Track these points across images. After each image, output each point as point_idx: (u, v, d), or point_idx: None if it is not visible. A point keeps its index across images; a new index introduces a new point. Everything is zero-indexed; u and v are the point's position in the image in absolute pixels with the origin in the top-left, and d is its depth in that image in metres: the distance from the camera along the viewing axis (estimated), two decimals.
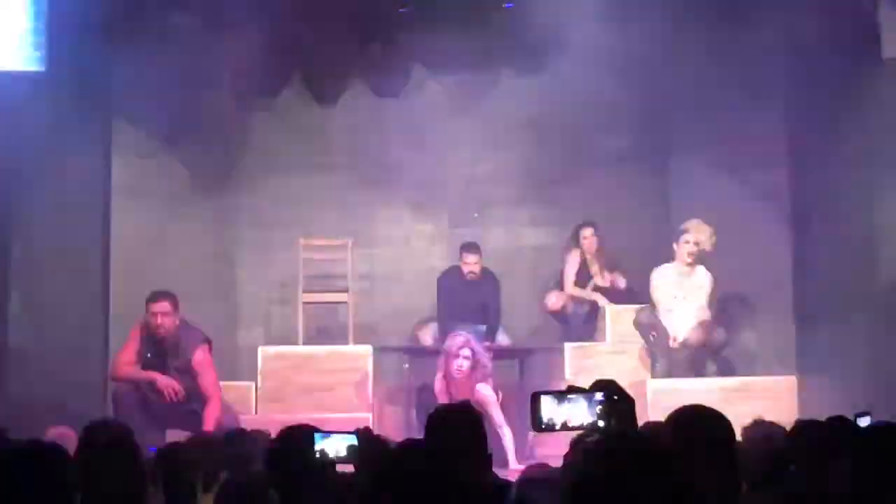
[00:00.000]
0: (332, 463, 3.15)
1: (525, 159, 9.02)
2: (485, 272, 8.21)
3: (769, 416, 4.40)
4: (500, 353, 8.02)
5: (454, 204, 9.19)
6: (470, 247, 8.18)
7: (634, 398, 2.52)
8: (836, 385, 7.15)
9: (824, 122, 7.98)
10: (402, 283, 9.00)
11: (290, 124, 9.04)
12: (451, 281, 8.18)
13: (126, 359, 6.84)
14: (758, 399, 7.22)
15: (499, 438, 6.84)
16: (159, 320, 6.77)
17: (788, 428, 4.13)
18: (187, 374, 6.79)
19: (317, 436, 3.16)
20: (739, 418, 3.73)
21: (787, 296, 8.41)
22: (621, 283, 8.43)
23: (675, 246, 7.90)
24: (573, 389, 2.47)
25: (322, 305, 8.67)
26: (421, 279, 8.84)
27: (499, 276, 8.80)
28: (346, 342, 8.25)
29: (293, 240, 8.59)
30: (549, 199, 9.04)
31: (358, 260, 8.71)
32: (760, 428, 4.32)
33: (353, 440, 3.09)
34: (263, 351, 7.99)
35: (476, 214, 9.19)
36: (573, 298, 8.39)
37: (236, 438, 4.41)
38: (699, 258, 7.84)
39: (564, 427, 2.40)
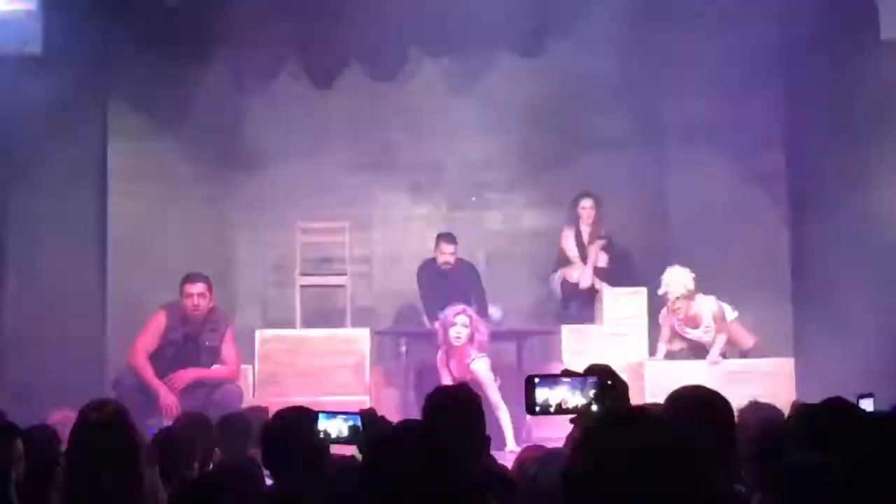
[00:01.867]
0: (330, 443, 3.14)
1: (523, 142, 8.98)
2: (460, 261, 8.20)
3: (767, 399, 4.38)
4: (497, 336, 8.00)
5: (452, 187, 9.16)
6: (447, 237, 8.16)
7: (632, 380, 2.53)
8: (834, 368, 7.15)
9: (822, 104, 7.94)
10: (399, 267, 8.96)
11: (287, 107, 9.00)
12: (429, 272, 8.16)
13: (147, 344, 6.78)
14: (756, 381, 7.21)
15: (496, 421, 6.83)
16: (196, 301, 6.76)
17: (786, 411, 4.13)
18: (214, 357, 6.83)
19: (321, 416, 3.15)
20: (737, 400, 3.72)
21: (785, 277, 8.40)
22: (602, 260, 8.38)
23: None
24: (567, 373, 2.48)
25: (320, 288, 8.64)
26: (419, 261, 8.81)
27: (497, 259, 8.81)
28: (343, 325, 8.24)
29: (291, 223, 8.57)
30: (547, 181, 9.01)
31: (355, 243, 8.69)
32: (757, 410, 4.31)
33: (357, 421, 3.08)
34: (261, 334, 7.97)
35: (474, 198, 9.17)
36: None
37: (233, 418, 4.40)
38: (686, 303, 7.61)
39: (559, 410, 2.41)
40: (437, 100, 9.08)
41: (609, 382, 2.44)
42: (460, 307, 7.24)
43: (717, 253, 8.08)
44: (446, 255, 8.12)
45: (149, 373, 6.67)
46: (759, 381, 7.23)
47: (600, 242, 8.35)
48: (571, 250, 8.37)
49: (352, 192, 9.06)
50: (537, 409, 2.41)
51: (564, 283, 8.36)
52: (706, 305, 7.64)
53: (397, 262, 9.03)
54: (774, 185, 8.51)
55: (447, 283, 8.06)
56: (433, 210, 9.15)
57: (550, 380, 2.44)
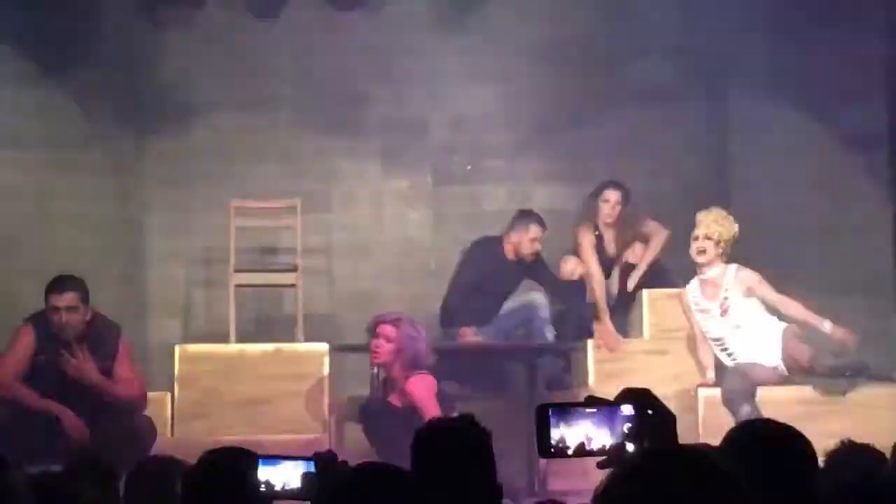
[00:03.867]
0: (276, 497, 3.15)
1: (533, 93, 9.00)
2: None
3: (864, 437, 4.41)
4: (498, 352, 8.02)
5: (439, 153, 9.17)
6: (537, 217, 8.24)
7: (680, 412, 2.53)
8: None
9: None
10: (368, 260, 8.98)
11: (216, 45, 8.99)
12: (493, 258, 8.17)
13: (14, 367, 6.75)
14: (850, 414, 7.25)
15: None
16: (64, 318, 6.70)
17: (889, 453, 4.14)
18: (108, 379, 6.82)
19: (261, 462, 3.15)
20: (824, 440, 3.74)
21: (888, 275, 8.44)
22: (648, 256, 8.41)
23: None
24: (593, 401, 2.48)
25: (261, 289, 8.65)
26: (394, 253, 8.84)
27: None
28: (293, 339, 8.25)
29: (222, 201, 8.56)
30: (565, 146, 9.03)
31: (310, 228, 8.69)
32: (851, 453, 4.34)
33: (311, 468, 3.09)
34: (182, 351, 7.96)
35: (469, 167, 9.19)
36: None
37: (149, 464, 4.40)
38: (717, 257, 7.72)
39: (581, 451, 2.41)
40: (419, 35, 9.08)
41: (650, 412, 2.44)
42: (391, 316, 7.33)
43: (796, 243, 8.10)
44: (536, 241, 8.19)
45: (33, 397, 6.65)
46: (854, 415, 7.26)
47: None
48: (592, 262, 8.37)
49: (304, 160, 9.06)
50: (552, 448, 2.41)
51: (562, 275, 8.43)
52: (731, 271, 7.74)
53: (365, 253, 9.05)
54: (873, 153, 8.54)
55: (510, 278, 8.13)
56: (413, 184, 9.16)
57: (570, 410, 2.44)
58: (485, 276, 8.13)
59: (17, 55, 8.38)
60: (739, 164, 8.80)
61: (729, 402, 7.33)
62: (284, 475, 3.12)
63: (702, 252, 7.75)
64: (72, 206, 8.54)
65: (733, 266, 7.78)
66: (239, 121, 8.98)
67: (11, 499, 3.22)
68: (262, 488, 3.13)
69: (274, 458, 3.18)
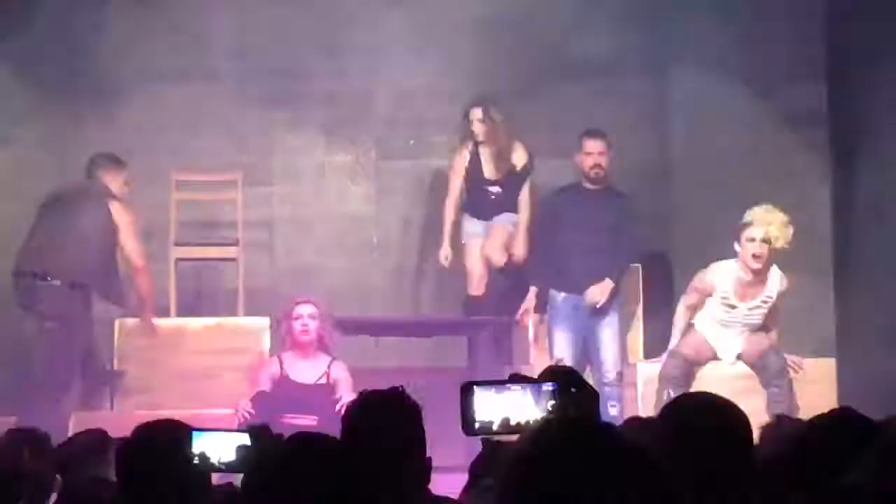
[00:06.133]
0: (210, 470, 3.16)
1: (477, 67, 9.01)
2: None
3: (803, 410, 4.47)
4: (437, 328, 8.04)
5: (382, 126, 9.16)
6: (591, 131, 7.88)
7: (622, 387, 2.57)
8: (887, 370, 7.27)
9: (875, 31, 8.02)
10: (311, 234, 8.98)
11: (156, 14, 8.93)
12: (570, 197, 7.86)
13: None
14: None
15: None
16: None
17: None
18: None
19: (195, 434, 3.16)
20: (759, 414, 3.80)
21: (825, 255, 8.50)
22: (519, 160, 8.32)
23: (736, 246, 7.50)
24: (517, 378, 2.51)
25: (202, 263, 8.63)
26: (337, 227, 8.82)
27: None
28: (234, 313, 8.25)
29: (161, 173, 8.52)
30: (508, 120, 9.04)
31: (251, 202, 8.67)
32: (782, 428, 4.41)
33: (245, 440, 3.10)
34: (121, 324, 7.95)
35: (412, 141, 9.19)
36: None
37: (71, 441, 4.40)
38: (770, 260, 7.49)
39: (505, 428, 2.43)
40: (361, 8, 9.06)
41: (573, 390, 2.47)
42: (303, 297, 7.49)
43: (735, 219, 8.16)
44: (594, 155, 7.83)
45: None
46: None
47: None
48: (454, 179, 8.42)
49: (246, 134, 9.03)
50: (476, 426, 2.44)
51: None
52: (776, 274, 7.57)
53: (307, 227, 9.03)
54: (812, 130, 8.61)
55: (595, 211, 7.78)
56: (356, 157, 9.15)
57: (494, 387, 2.46)
58: (563, 219, 7.89)
59: None
60: (681, 139, 8.84)
61: (662, 385, 7.35)
62: (219, 448, 3.13)
63: (759, 258, 7.41)
64: (8, 179, 8.46)
65: (777, 271, 7.55)
66: (179, 93, 8.92)
67: None
68: (196, 461, 3.14)
69: (208, 431, 3.19)
